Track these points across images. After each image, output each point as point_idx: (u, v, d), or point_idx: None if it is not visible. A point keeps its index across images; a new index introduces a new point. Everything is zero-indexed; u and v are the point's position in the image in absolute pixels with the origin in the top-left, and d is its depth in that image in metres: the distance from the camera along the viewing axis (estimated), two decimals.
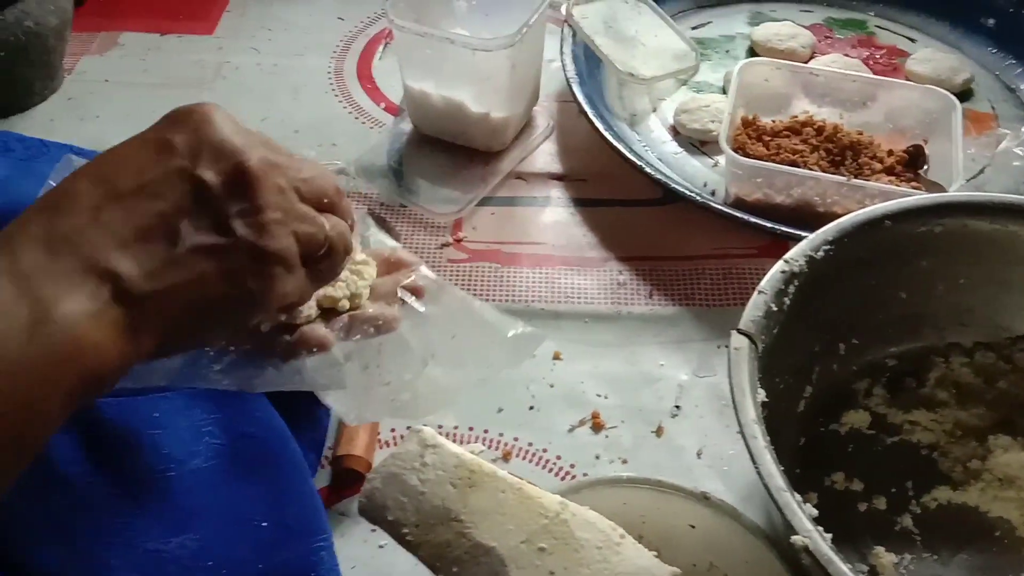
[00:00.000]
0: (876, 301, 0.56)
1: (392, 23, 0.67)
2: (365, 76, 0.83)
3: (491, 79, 0.68)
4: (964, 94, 0.81)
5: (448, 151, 0.74)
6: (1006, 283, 0.56)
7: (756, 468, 0.42)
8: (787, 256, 0.50)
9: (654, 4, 0.84)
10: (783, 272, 0.49)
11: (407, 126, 0.76)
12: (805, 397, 0.55)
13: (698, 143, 0.75)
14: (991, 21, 0.86)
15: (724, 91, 0.80)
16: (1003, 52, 0.85)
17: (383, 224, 0.66)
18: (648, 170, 0.67)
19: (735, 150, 0.69)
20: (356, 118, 0.79)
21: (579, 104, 0.72)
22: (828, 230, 0.51)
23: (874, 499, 0.53)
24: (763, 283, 0.49)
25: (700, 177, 0.72)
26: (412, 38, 0.68)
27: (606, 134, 0.69)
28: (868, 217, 0.52)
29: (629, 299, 0.64)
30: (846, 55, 0.84)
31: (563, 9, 0.81)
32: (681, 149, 0.75)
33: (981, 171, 0.73)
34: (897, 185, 0.65)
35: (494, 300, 0.64)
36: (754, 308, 0.48)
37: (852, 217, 0.52)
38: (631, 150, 0.69)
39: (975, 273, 0.56)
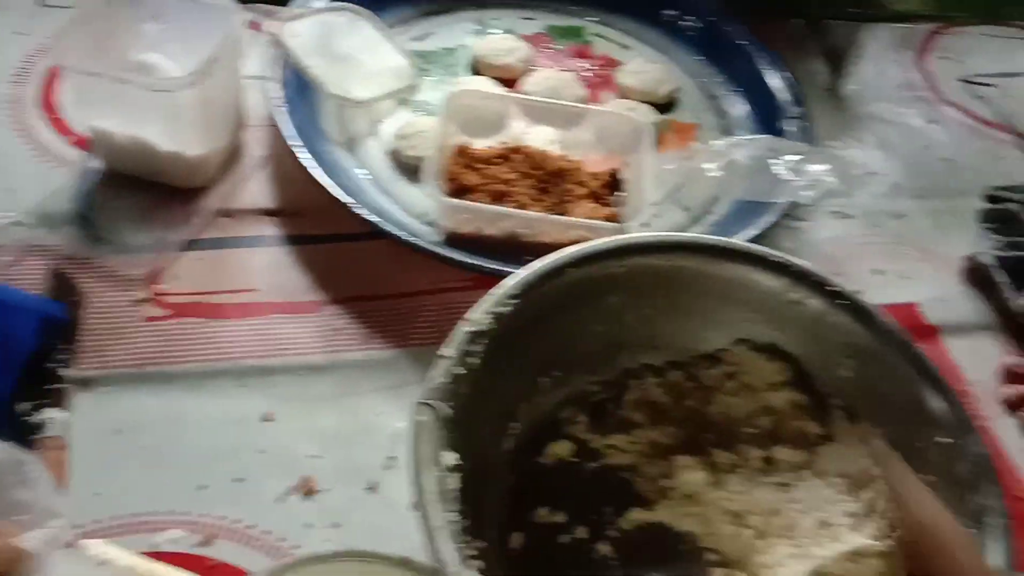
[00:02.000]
0: (573, 337, 0.58)
1: (57, 60, 0.61)
2: (49, 105, 0.75)
3: (179, 117, 0.63)
4: (671, 104, 0.85)
5: (146, 190, 0.68)
6: (684, 309, 0.60)
7: (430, 547, 0.42)
8: (469, 316, 0.50)
9: (373, 16, 0.82)
10: (467, 332, 0.50)
11: (98, 164, 0.69)
12: (514, 434, 0.57)
13: (417, 169, 0.74)
14: (696, 29, 0.91)
15: None
16: (707, 60, 0.90)
17: (64, 283, 0.60)
18: (355, 207, 0.65)
19: (450, 180, 0.69)
20: (38, 156, 0.71)
21: (282, 134, 0.69)
22: (512, 285, 0.52)
23: (576, 529, 0.55)
24: (445, 347, 0.49)
25: (420, 205, 0.72)
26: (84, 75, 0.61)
27: (310, 168, 0.67)
28: (550, 267, 0.54)
29: (345, 345, 0.63)
30: (562, 68, 0.86)
31: (267, 27, 0.76)
32: (402, 176, 0.74)
33: (680, 186, 0.78)
34: (598, 211, 0.68)
35: (200, 360, 0.60)
36: (438, 375, 0.48)
37: (534, 269, 0.53)
38: (339, 183, 0.67)
39: (658, 303, 0.59)
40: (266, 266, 0.67)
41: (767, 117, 0.83)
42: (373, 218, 0.64)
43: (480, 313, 0.51)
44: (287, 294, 0.65)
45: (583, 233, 0.66)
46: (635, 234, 0.56)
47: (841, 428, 0.57)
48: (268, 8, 0.87)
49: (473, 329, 0.50)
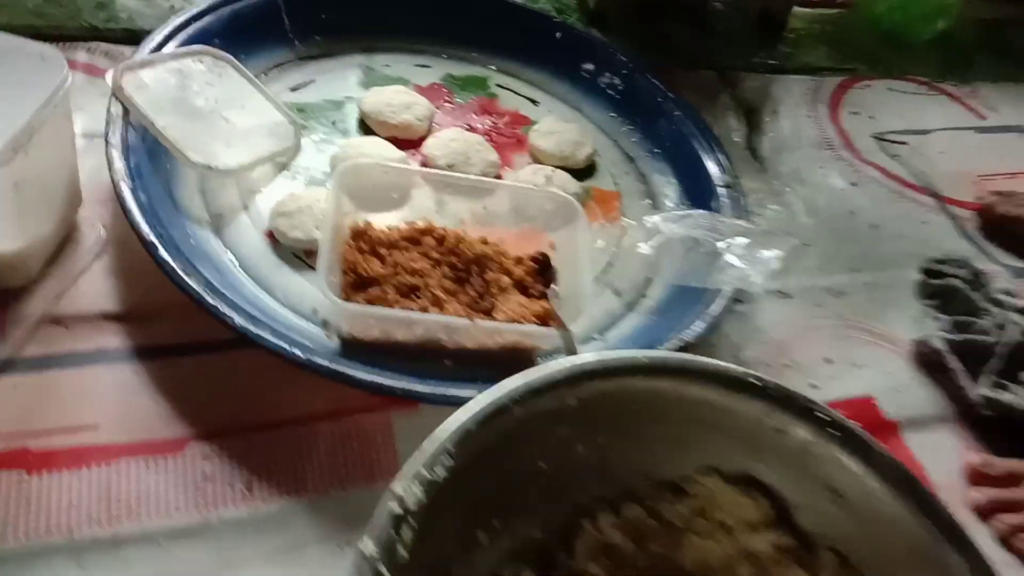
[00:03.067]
0: (514, 478, 0.47)
1: None
2: None
3: None
4: (590, 169, 0.76)
5: None
6: (644, 436, 0.50)
7: None
8: (395, 489, 0.38)
9: (240, 65, 0.68)
10: (393, 515, 0.38)
11: None
12: None
13: (303, 253, 0.61)
14: (612, 85, 0.83)
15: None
16: (621, 116, 0.82)
17: None
18: (221, 309, 0.51)
19: (347, 270, 0.57)
20: None
21: (127, 215, 0.54)
22: (447, 437, 0.41)
23: None
24: (366, 537, 0.37)
25: (309, 299, 0.58)
26: None
27: (161, 258, 0.52)
28: (492, 408, 0.43)
29: (220, 497, 0.49)
30: (468, 126, 0.75)
31: (107, 77, 0.61)
32: (284, 262, 0.61)
33: (609, 265, 0.68)
34: (529, 307, 0.57)
35: (20, 536, 0.45)
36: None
37: (472, 414, 0.42)
38: (201, 275, 0.53)
39: (613, 430, 0.49)
40: (109, 391, 0.51)
41: (693, 184, 0.75)
42: (244, 324, 0.51)
43: (408, 482, 0.39)
44: (139, 430, 0.50)
45: (517, 340, 0.55)
46: (589, 356, 0.45)
47: (833, 573, 0.49)
48: (110, 48, 0.71)
49: (400, 511, 0.38)
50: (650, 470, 0.52)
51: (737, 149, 0.85)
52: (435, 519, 0.40)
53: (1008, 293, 0.70)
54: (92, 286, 0.56)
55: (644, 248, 0.66)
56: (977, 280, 0.73)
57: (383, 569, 0.36)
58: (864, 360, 0.68)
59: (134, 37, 0.71)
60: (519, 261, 0.61)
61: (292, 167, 0.67)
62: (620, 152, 0.80)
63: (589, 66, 0.83)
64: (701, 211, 0.67)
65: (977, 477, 0.63)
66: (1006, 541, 0.60)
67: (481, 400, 0.42)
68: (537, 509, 0.50)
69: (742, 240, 0.64)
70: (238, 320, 0.51)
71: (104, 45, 0.72)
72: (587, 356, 0.46)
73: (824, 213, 0.82)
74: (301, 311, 0.57)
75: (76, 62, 0.70)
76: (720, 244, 0.64)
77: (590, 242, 0.61)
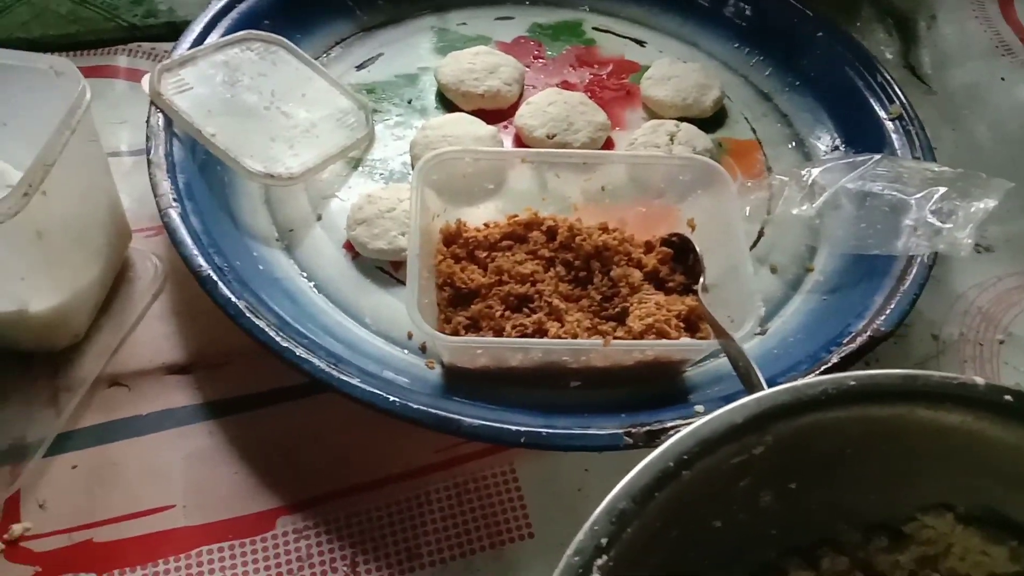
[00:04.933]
0: (682, 550, 0.37)
1: None
2: None
3: (6, 260, 0.39)
4: (718, 117, 0.63)
5: None
6: (839, 475, 0.38)
7: None
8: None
9: (294, 48, 0.58)
10: None
11: None
12: None
13: (389, 266, 0.51)
14: (729, 7, 0.68)
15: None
16: (749, 47, 0.68)
17: None
18: (296, 351, 0.42)
19: (442, 284, 0.46)
20: None
21: (177, 247, 0.45)
22: (598, 528, 0.30)
23: None
24: None
25: (403, 321, 0.48)
26: None
27: (222, 297, 0.43)
28: (657, 473, 0.31)
29: None
30: (565, 84, 0.63)
31: (144, 82, 0.52)
32: (367, 278, 0.51)
33: (760, 235, 0.55)
34: (672, 307, 0.45)
35: None
36: None
37: (631, 488, 0.31)
38: (272, 310, 0.44)
39: (806, 473, 0.37)
40: (181, 461, 0.43)
41: (852, 121, 0.61)
42: (324, 368, 0.41)
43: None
44: (219, 507, 0.42)
45: (662, 353, 0.44)
46: (777, 391, 0.34)
47: None
48: (153, 47, 0.63)
49: None
50: (856, 512, 0.40)
51: (893, 70, 0.69)
52: None
53: None
54: (152, 333, 0.48)
55: (804, 210, 0.52)
56: None
57: None
58: None
59: (178, 31, 0.61)
60: (650, 248, 0.49)
61: (367, 161, 0.57)
62: (753, 90, 0.66)
63: None
64: (874, 155, 0.52)
65: None
66: None
67: (640, 471, 0.31)
68: (714, 573, 0.39)
69: (938, 190, 0.50)
70: (317, 363, 0.41)
71: (146, 45, 0.64)
72: (774, 391, 0.34)
73: (1015, 136, 0.66)
74: (394, 337, 0.48)
75: (117, 68, 0.62)
76: (907, 198, 0.50)
77: (740, 214, 0.49)
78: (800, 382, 0.34)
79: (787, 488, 0.37)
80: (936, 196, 0.49)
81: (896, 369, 0.35)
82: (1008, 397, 0.34)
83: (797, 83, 0.65)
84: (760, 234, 0.55)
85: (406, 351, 0.47)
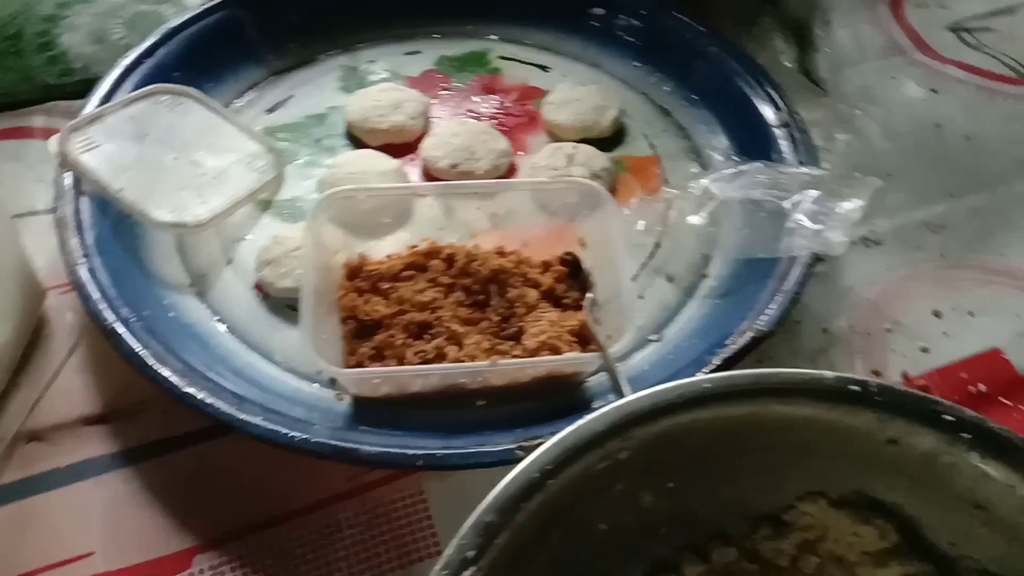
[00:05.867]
0: (573, 551, 0.39)
1: None
2: None
3: None
4: (618, 135, 0.66)
5: None
6: (714, 472, 0.40)
7: None
8: None
9: (203, 97, 0.60)
10: None
11: None
12: None
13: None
14: (631, 28, 0.71)
15: None
16: (648, 64, 0.70)
17: None
18: (197, 395, 0.44)
19: (345, 318, 0.48)
20: None
21: (84, 302, 0.47)
22: (471, 530, 0.32)
23: None
24: None
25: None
26: None
27: (124, 348, 0.45)
28: (524, 485, 0.34)
29: None
30: (471, 113, 0.66)
31: (51, 143, 0.54)
32: (277, 317, 0.53)
33: (657, 246, 0.58)
34: (565, 323, 0.48)
35: None
36: None
37: (496, 500, 0.33)
38: (180, 356, 0.46)
39: (681, 472, 0.39)
40: (100, 509, 0.45)
41: (744, 131, 0.64)
42: (227, 410, 0.43)
43: None
44: (137, 550, 0.44)
45: (554, 368, 0.46)
46: (636, 397, 0.36)
47: None
48: (71, 105, 0.64)
49: None
50: (740, 506, 0.42)
51: (790, 76, 0.72)
52: None
53: None
54: (69, 386, 0.49)
55: (695, 219, 0.55)
56: None
57: None
58: (981, 305, 0.56)
59: (93, 87, 0.63)
60: (547, 267, 0.52)
61: (277, 203, 0.59)
62: (653, 107, 0.68)
63: (599, 10, 0.71)
64: (758, 163, 0.55)
65: None
66: None
67: (507, 484, 0.33)
68: (610, 573, 0.42)
69: (812, 192, 0.52)
70: (219, 406, 0.43)
71: (63, 103, 0.65)
72: (635, 397, 0.36)
73: (905, 133, 0.69)
74: (304, 372, 0.50)
75: (33, 128, 0.64)
76: (785, 202, 0.53)
77: (623, 230, 0.51)
78: (659, 387, 0.36)
79: (666, 487, 0.40)
80: (810, 199, 0.52)
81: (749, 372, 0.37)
82: (854, 387, 0.37)
83: (694, 97, 0.68)
84: (657, 245, 0.58)
85: (316, 385, 0.49)
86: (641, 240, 0.57)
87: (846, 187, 0.53)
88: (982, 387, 0.52)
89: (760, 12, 0.78)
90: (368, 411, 0.47)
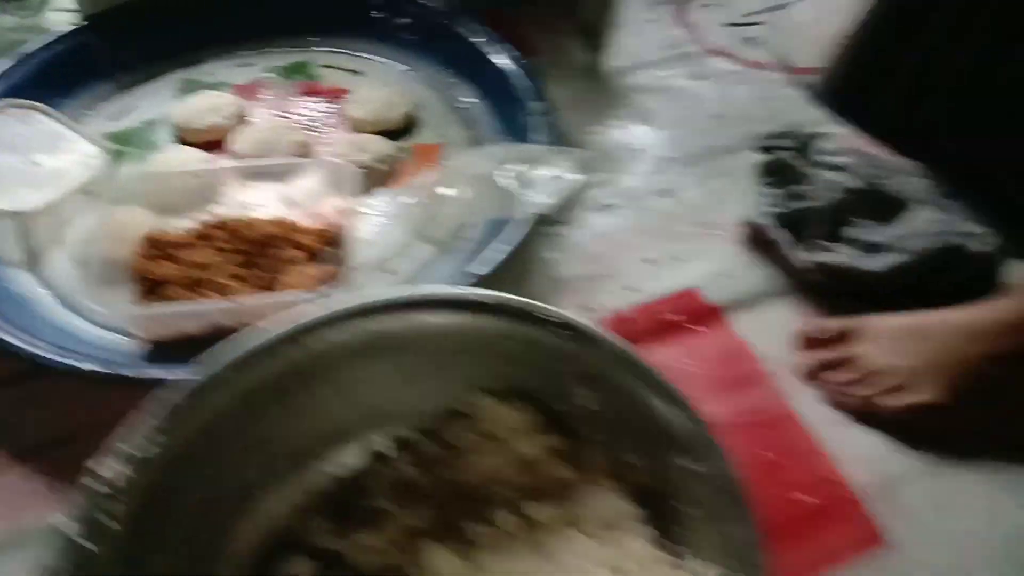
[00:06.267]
0: (281, 436, 0.50)
1: None
2: None
3: None
4: (411, 127, 0.78)
5: None
6: (391, 374, 0.51)
7: None
8: (98, 468, 0.41)
9: (48, 109, 0.72)
10: (94, 492, 0.41)
11: None
12: (235, 561, 0.49)
13: (115, 273, 0.65)
14: (419, 30, 0.83)
15: None
16: (447, 68, 0.83)
17: None
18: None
19: (141, 279, 0.60)
20: None
21: None
22: (155, 416, 0.43)
23: None
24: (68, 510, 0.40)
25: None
26: None
27: None
28: (207, 378, 0.45)
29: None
30: (286, 114, 0.78)
31: None
32: (102, 285, 0.64)
33: (429, 217, 0.69)
34: (307, 275, 0.60)
35: None
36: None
37: (186, 388, 0.44)
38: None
39: (369, 374, 0.51)
40: None
41: (512, 121, 0.75)
42: (29, 348, 0.55)
43: (114, 463, 0.42)
44: None
45: (286, 303, 0.58)
46: (310, 310, 0.47)
47: (598, 467, 0.50)
48: None
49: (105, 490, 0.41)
50: (429, 403, 0.53)
51: (575, 73, 0.84)
52: (167, 493, 0.43)
53: (828, 152, 0.69)
54: None
55: (446, 191, 0.67)
56: (805, 147, 0.71)
57: (84, 542, 0.39)
58: (690, 254, 0.68)
59: None
60: (315, 235, 0.63)
61: (103, 193, 0.70)
62: (447, 105, 0.80)
63: (404, 20, 0.84)
64: (497, 145, 0.67)
65: (809, 343, 0.62)
66: (834, 399, 0.59)
67: (196, 374, 0.45)
68: (325, 456, 0.53)
69: (525, 165, 0.64)
70: (24, 346, 0.55)
71: None
72: (310, 309, 0.48)
73: (663, 117, 0.81)
74: (116, 328, 0.61)
75: None
76: (506, 173, 0.64)
77: (355, 203, 0.63)
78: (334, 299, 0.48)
79: (364, 386, 0.51)
80: (524, 170, 0.64)
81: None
82: (487, 301, 0.48)
83: (481, 93, 0.80)
84: (428, 216, 0.69)
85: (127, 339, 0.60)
86: (414, 212, 0.69)
87: (564, 159, 0.65)
88: (677, 317, 0.64)
89: (557, 16, 0.89)
90: (161, 356, 0.58)
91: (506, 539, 0.49)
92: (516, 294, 0.63)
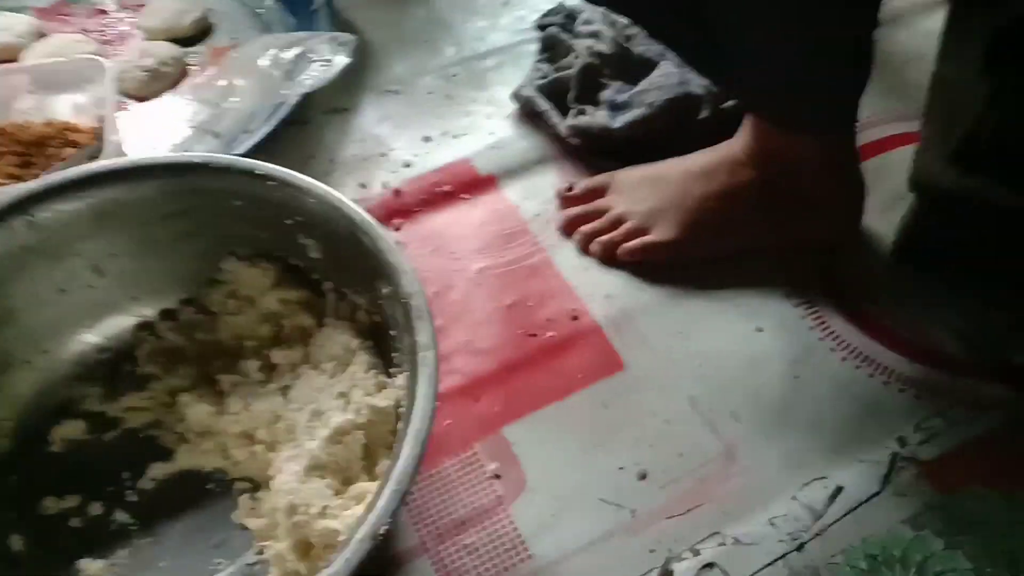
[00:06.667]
0: (35, 308, 0.53)
1: None
2: None
3: None
4: (206, 33, 0.80)
5: None
6: (149, 244, 0.55)
7: None
8: None
9: None
10: None
11: None
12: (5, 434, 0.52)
13: None
14: None
15: None
16: None
17: None
18: None
19: None
20: None
21: None
22: None
23: (89, 507, 0.51)
24: None
25: None
26: None
27: None
28: None
29: None
30: (83, 31, 0.79)
31: None
32: None
33: (209, 111, 0.72)
34: None
35: None
36: None
37: None
38: None
39: (120, 242, 0.54)
40: None
41: (301, 14, 0.78)
42: None
43: None
44: None
45: None
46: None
47: (332, 311, 0.54)
48: None
49: None
50: (189, 273, 0.57)
51: None
52: None
53: (587, 22, 0.72)
54: None
55: (220, 82, 0.70)
56: (570, 21, 0.75)
57: None
58: (465, 129, 0.72)
59: None
60: (95, 133, 0.66)
61: None
62: (244, 8, 0.83)
63: None
64: (269, 35, 0.70)
65: (565, 201, 0.66)
66: (584, 249, 0.64)
67: None
68: (93, 328, 0.56)
69: (295, 51, 0.67)
70: None
71: None
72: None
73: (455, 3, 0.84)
74: None
75: None
76: (276, 61, 0.67)
77: (112, 98, 0.67)
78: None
79: (114, 257, 0.54)
80: (291, 56, 0.67)
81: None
82: (207, 163, 0.52)
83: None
84: (213, 112, 0.72)
85: None
86: (194, 108, 0.71)
87: (324, 44, 0.68)
88: (447, 187, 0.68)
89: None
90: None
91: (250, 386, 0.53)
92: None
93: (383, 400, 0.48)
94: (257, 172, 0.51)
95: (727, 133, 0.64)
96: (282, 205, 0.52)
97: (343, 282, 0.53)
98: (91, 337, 0.56)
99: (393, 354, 0.50)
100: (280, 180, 0.51)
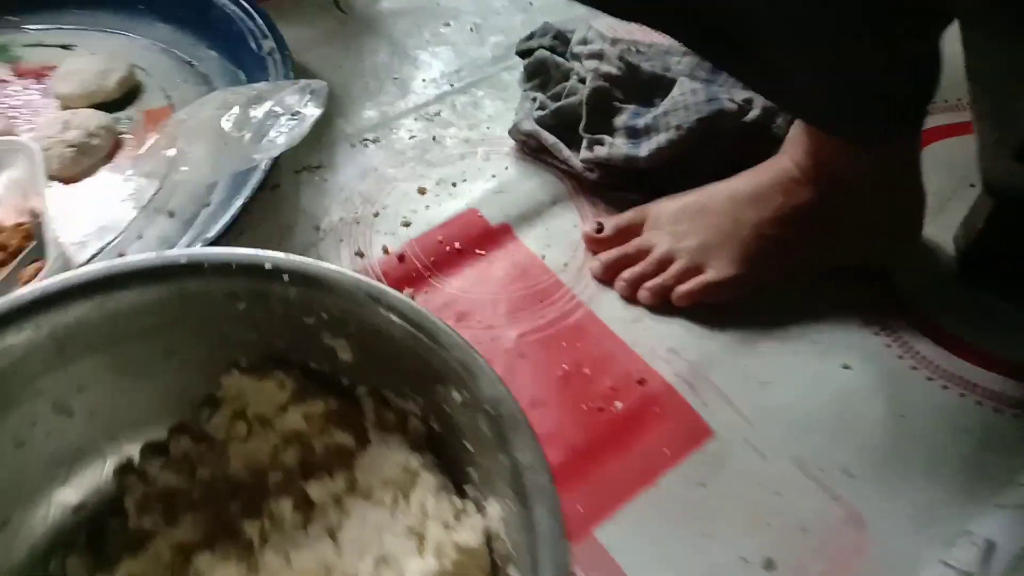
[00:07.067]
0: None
1: None
2: None
3: None
4: (134, 93, 0.68)
5: None
6: (126, 367, 0.44)
7: None
8: None
9: None
10: None
11: None
12: None
13: None
14: None
15: None
16: (171, 23, 0.73)
17: None
18: None
19: None
20: None
21: None
22: None
23: None
24: None
25: None
26: None
27: None
28: None
29: None
30: None
31: None
32: None
33: (159, 188, 0.61)
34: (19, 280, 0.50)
35: None
36: None
37: None
38: None
39: (87, 372, 0.43)
40: None
41: (246, 65, 0.67)
42: None
43: None
44: None
45: None
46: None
47: (375, 422, 0.44)
48: None
49: None
50: (173, 394, 0.46)
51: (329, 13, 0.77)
52: None
53: (584, 42, 0.64)
54: None
55: (169, 152, 0.58)
56: (564, 42, 0.67)
57: None
58: (462, 175, 0.63)
59: None
60: (18, 230, 0.54)
61: None
62: (177, 61, 0.71)
63: None
64: (223, 90, 0.59)
65: (596, 243, 0.58)
66: (630, 297, 0.56)
67: None
68: (67, 481, 0.45)
69: (265, 106, 0.57)
70: None
71: None
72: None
73: (417, 38, 0.75)
74: None
75: None
76: (236, 120, 0.57)
77: (43, 185, 0.54)
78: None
79: (72, 399, 0.43)
80: (262, 112, 0.56)
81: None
82: (196, 262, 0.41)
83: (209, 43, 0.71)
84: (159, 187, 0.61)
85: None
86: (139, 184, 0.60)
87: (292, 94, 0.57)
88: (457, 244, 0.59)
89: None
90: None
91: (285, 531, 0.43)
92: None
93: (470, 536, 0.38)
94: (267, 267, 0.41)
95: (752, 149, 0.58)
96: (293, 301, 0.42)
97: (384, 384, 0.43)
98: (65, 494, 0.44)
99: (468, 468, 0.40)
100: (298, 273, 0.41)
